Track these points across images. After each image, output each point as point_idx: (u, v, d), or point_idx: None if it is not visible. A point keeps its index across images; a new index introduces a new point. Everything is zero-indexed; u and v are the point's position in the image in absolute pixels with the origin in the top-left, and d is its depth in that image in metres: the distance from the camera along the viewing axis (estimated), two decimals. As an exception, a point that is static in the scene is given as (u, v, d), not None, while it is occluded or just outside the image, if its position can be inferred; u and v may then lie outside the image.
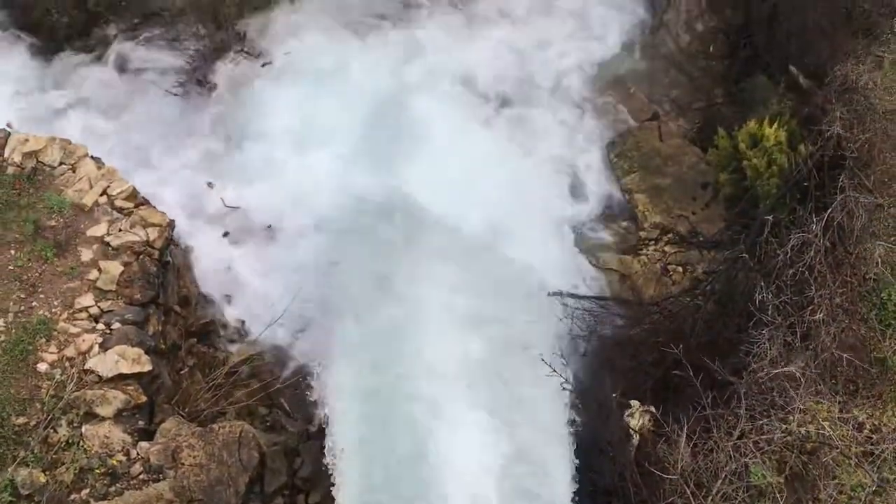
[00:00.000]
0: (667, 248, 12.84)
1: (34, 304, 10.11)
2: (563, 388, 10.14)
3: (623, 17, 15.09)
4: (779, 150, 11.84)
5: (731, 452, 8.36)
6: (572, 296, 11.89)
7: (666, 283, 12.41)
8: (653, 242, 12.94)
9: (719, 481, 8.12)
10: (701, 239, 12.82)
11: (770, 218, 10.96)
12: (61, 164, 11.32)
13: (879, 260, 10.18)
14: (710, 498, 8.07)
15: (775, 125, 12.06)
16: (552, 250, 12.50)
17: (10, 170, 11.09)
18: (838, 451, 8.27)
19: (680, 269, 12.59)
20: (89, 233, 10.74)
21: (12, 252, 10.39)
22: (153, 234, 10.87)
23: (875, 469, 8.19)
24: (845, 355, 9.10)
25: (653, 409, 10.05)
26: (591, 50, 14.67)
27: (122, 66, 14.37)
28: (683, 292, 12.05)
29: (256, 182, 12.95)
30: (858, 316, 9.93)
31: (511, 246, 12.05)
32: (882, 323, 9.88)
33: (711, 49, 14.58)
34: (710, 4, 14.72)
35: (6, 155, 11.17)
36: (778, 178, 11.77)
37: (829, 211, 10.40)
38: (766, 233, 10.89)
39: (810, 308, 9.74)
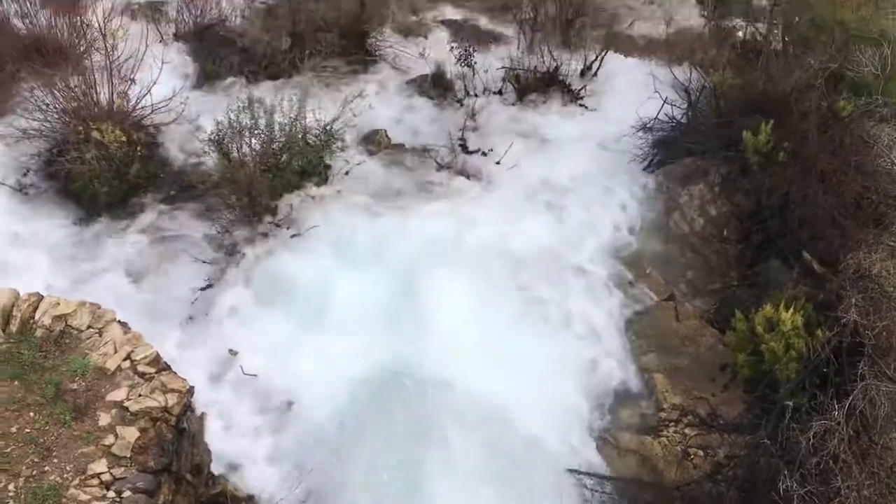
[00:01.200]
0: (687, 431, 12.64)
1: (47, 468, 10.00)
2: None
3: (638, 201, 15.66)
4: (796, 335, 11.89)
5: None
6: (590, 475, 11.64)
7: (687, 467, 12.12)
8: (673, 424, 12.77)
9: None
10: (721, 422, 12.64)
11: (790, 403, 10.89)
12: (89, 327, 11.54)
13: (906, 452, 10.01)
14: None
15: (791, 310, 12.17)
16: (570, 430, 12.35)
17: (39, 332, 11.32)
18: None
19: (701, 452, 12.33)
20: (109, 397, 10.77)
21: (31, 415, 10.41)
22: (172, 399, 10.87)
23: None
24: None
25: None
26: (608, 231, 15.13)
27: (155, 234, 14.97)
28: (705, 477, 11.74)
29: (277, 352, 13.05)
30: (889, 510, 9.64)
31: (527, 424, 11.90)
32: (914, 518, 9.57)
33: (725, 233, 14.97)
34: (723, 191, 15.26)
35: (37, 317, 11.43)
36: (797, 363, 11.75)
37: (850, 398, 10.33)
38: (787, 418, 10.79)
39: (837, 500, 9.47)
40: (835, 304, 12.00)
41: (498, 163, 16.20)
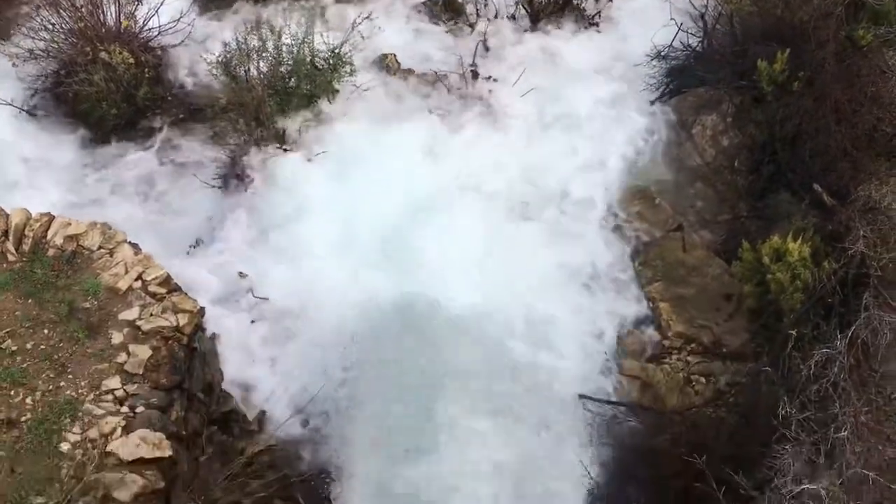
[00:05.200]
0: (690, 358, 12.83)
1: (62, 383, 10.27)
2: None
3: (649, 130, 15.51)
4: (802, 266, 11.93)
5: (754, 571, 8.21)
6: (597, 400, 11.88)
7: (689, 394, 12.34)
8: (676, 352, 12.94)
9: None
10: (724, 350, 12.81)
11: (794, 332, 11.01)
12: (100, 248, 11.67)
13: (905, 380, 10.16)
14: None
15: (799, 241, 12.19)
16: (573, 356, 12.55)
17: (51, 252, 11.46)
18: (865, 575, 8.10)
19: (703, 379, 12.53)
20: (121, 316, 10.98)
21: (46, 332, 10.64)
22: (183, 320, 11.08)
23: None
24: (871, 474, 8.98)
25: (673, 523, 9.89)
26: (618, 161, 15.02)
27: (163, 158, 14.98)
28: (706, 403, 11.98)
29: (286, 275, 13.21)
30: (884, 436, 9.81)
31: (531, 349, 12.06)
32: (908, 445, 9.76)
33: (736, 164, 14.85)
34: (735, 122, 15.08)
35: (49, 237, 11.56)
36: (802, 294, 11.82)
37: (853, 328, 10.45)
38: (790, 347, 10.93)
39: (834, 425, 9.66)
40: (843, 236, 12.01)
41: (512, 86, 15.95)
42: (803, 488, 8.78)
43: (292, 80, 14.94)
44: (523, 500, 10.16)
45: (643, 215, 14.48)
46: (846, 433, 9.52)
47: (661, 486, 10.78)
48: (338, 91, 15.59)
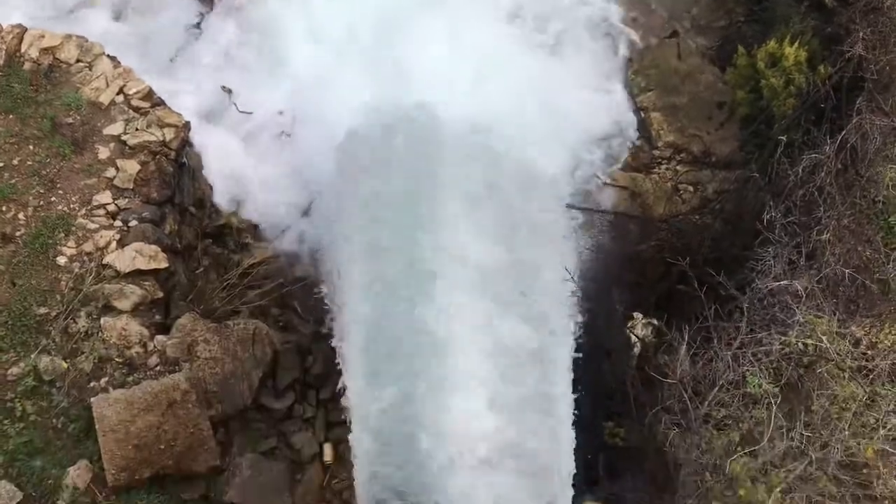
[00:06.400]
0: (679, 168, 12.89)
1: (53, 199, 10.30)
2: (572, 294, 10.40)
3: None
4: (798, 70, 11.72)
5: (730, 362, 8.62)
6: (584, 209, 12.02)
7: (676, 202, 12.51)
8: (665, 161, 12.98)
9: (716, 388, 8.42)
10: (713, 159, 12.84)
11: (784, 138, 10.99)
12: (78, 61, 11.32)
13: (890, 183, 10.20)
14: (706, 403, 8.40)
15: (796, 45, 11.90)
16: (564, 164, 12.53)
17: (27, 66, 11.11)
18: (833, 363, 8.52)
19: (691, 188, 12.66)
20: (106, 131, 10.85)
21: (31, 147, 10.54)
22: (169, 134, 10.96)
23: (868, 383, 8.45)
24: (848, 271, 9.25)
25: (655, 321, 10.29)
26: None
27: (136, -35, 14.20)
28: (692, 211, 12.16)
29: (271, 88, 12.92)
30: (864, 238, 10.01)
31: (523, 155, 11.94)
32: (887, 246, 9.97)
33: (735, -35, 14.25)
34: (736, -82, 14.31)
35: (23, 50, 11.17)
36: (795, 99, 11.69)
37: (843, 133, 10.40)
38: (779, 153, 10.93)
39: (817, 228, 9.84)
40: (841, 39, 11.69)
41: None
42: (780, 284, 9.06)
43: None
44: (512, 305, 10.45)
45: (638, 21, 14.03)
46: (828, 235, 9.71)
47: (645, 288, 11.14)
48: None
